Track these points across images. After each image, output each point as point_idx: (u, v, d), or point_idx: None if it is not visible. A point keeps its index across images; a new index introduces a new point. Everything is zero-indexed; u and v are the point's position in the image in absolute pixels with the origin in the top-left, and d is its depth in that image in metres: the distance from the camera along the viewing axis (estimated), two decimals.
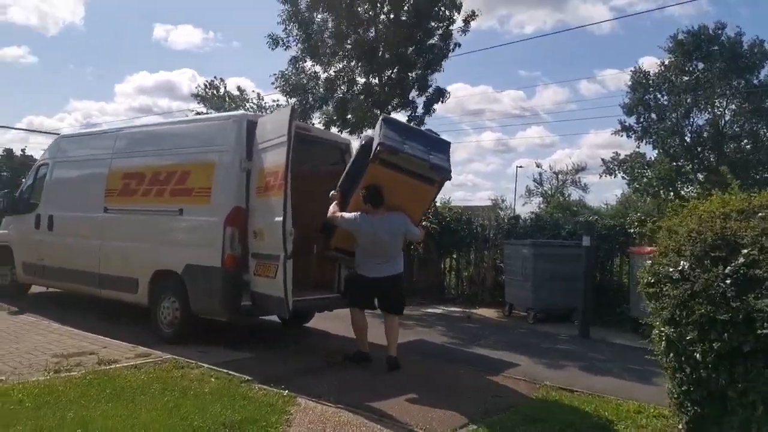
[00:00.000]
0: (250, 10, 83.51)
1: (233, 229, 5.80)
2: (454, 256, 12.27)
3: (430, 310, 10.48)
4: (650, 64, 29.95)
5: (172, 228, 6.42)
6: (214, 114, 6.62)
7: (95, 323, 7.00)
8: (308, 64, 13.28)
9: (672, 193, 28.76)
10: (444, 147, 5.83)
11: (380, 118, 5.80)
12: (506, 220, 11.67)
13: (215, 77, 33.05)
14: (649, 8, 70.47)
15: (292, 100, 12.73)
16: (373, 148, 5.40)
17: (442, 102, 13.57)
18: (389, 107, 13.28)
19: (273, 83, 13.19)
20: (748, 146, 27.68)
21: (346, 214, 5.58)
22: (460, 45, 13.25)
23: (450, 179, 5.79)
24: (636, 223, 9.99)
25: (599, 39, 73.81)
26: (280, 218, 5.20)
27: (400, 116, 14.32)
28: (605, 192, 78.23)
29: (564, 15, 77.10)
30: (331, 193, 5.71)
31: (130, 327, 6.92)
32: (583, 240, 8.65)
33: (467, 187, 78.60)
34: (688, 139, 28.86)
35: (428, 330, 8.37)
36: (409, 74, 13.11)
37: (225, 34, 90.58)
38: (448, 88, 14.03)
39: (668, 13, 68.08)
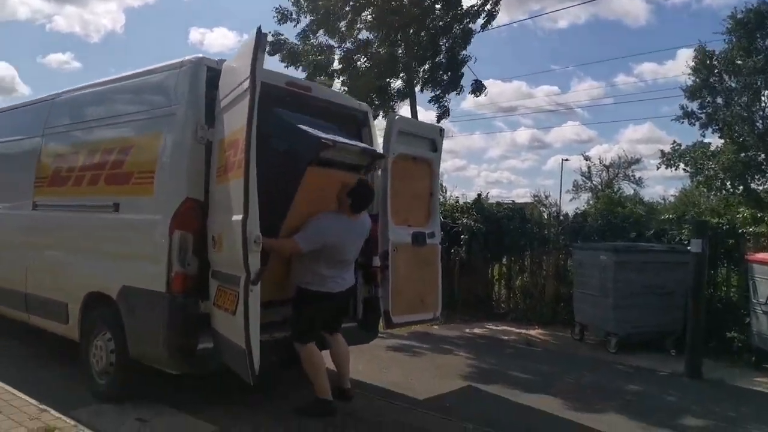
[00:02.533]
0: None
1: (183, 234, 3.75)
2: (504, 261, 10.04)
3: (476, 330, 8.32)
4: (711, 45, 26.75)
5: (106, 231, 4.41)
6: (161, 64, 4.78)
7: (19, 364, 5.11)
8: (320, 38, 11.33)
9: (741, 187, 25.81)
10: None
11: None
12: (570, 217, 9.36)
13: None
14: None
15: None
16: (305, 147, 4.02)
17: (477, 95, 11.46)
18: (414, 81, 11.17)
19: (269, 50, 11.20)
20: None
21: (306, 236, 4.04)
22: (496, 13, 11.01)
23: (384, 159, 4.73)
24: (749, 221, 7.63)
25: (634, 32, 69.90)
26: (240, 216, 3.13)
27: (426, 95, 12.21)
28: (655, 187, 73.71)
29: (597, 8, 73.61)
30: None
31: (66, 372, 4.96)
32: (691, 244, 6.34)
33: (503, 184, 75.66)
34: (759, 126, 25.71)
35: (476, 365, 6.19)
36: (440, 45, 10.97)
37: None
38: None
39: (705, 4, 64.15)
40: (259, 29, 3.15)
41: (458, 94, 11.20)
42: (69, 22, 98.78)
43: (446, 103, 11.21)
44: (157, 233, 3.84)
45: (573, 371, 6.11)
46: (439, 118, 11.32)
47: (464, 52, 10.86)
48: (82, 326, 4.51)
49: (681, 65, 71.60)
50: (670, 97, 73.80)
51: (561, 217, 9.56)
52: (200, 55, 3.99)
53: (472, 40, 10.91)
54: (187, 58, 4.02)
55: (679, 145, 28.74)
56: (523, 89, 73.73)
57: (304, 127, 4.11)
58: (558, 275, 9.16)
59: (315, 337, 4.27)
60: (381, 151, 4.86)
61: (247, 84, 3.16)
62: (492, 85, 61.48)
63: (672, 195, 38.20)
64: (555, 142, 73.67)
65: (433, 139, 5.47)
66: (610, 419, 4.60)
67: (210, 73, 3.93)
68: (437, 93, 11.07)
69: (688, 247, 6.69)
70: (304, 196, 4.08)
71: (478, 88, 11.13)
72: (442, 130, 5.60)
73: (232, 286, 3.31)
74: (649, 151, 65.54)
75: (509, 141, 73.11)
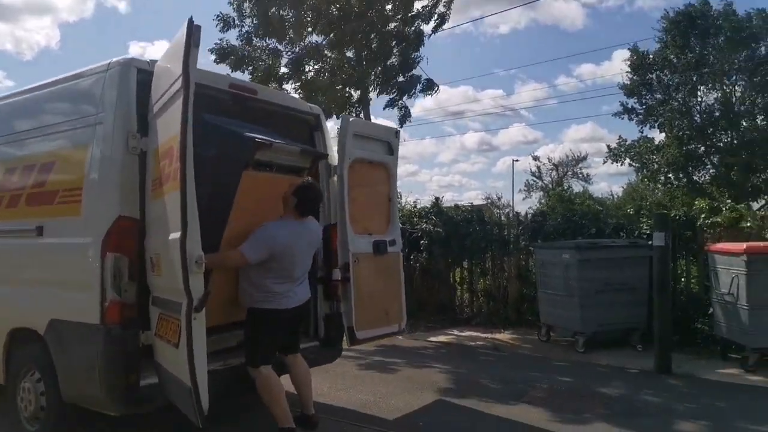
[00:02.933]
0: None
1: (117, 257, 3.32)
2: (465, 265, 9.86)
3: (441, 338, 8.07)
4: (643, 45, 27.71)
5: (29, 259, 3.91)
6: (87, 68, 4.44)
7: None
8: (266, 41, 10.95)
9: (685, 179, 26.67)
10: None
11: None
12: (529, 217, 9.25)
13: None
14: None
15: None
16: (239, 149, 3.74)
17: (432, 95, 11.26)
18: (368, 88, 10.92)
19: (213, 56, 10.75)
20: (765, 122, 25.41)
21: (252, 245, 3.70)
22: (447, 17, 10.85)
23: (325, 158, 4.69)
24: (704, 213, 7.66)
25: (572, 35, 72.21)
26: (177, 234, 2.75)
27: (381, 100, 11.97)
28: (600, 183, 76.18)
29: (536, 13, 75.70)
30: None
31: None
32: (654, 237, 6.26)
33: (455, 187, 76.79)
34: (698, 120, 26.64)
35: (446, 376, 5.92)
36: (392, 47, 10.74)
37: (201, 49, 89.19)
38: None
39: (636, 7, 66.98)
40: (190, 21, 2.78)
41: (411, 96, 10.97)
42: (0, 40, 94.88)
43: (405, 105, 10.96)
44: (86, 258, 3.39)
45: (545, 375, 5.91)
46: (402, 122, 11.08)
47: (417, 53, 10.65)
48: (8, 367, 3.99)
49: (617, 65, 74.25)
50: (609, 95, 76.23)
51: (520, 218, 9.42)
52: (129, 56, 3.57)
53: (424, 41, 10.71)
54: (114, 59, 3.59)
55: (625, 140, 29.57)
56: (470, 93, 75.10)
57: (237, 129, 3.79)
58: (520, 276, 9.02)
59: (270, 360, 3.90)
60: (325, 152, 4.60)
61: (179, 84, 2.78)
62: (440, 91, 62.09)
63: (621, 187, 39.27)
64: (503, 145, 75.16)
65: (388, 141, 5.20)
66: (595, 428, 4.38)
67: (141, 75, 3.52)
68: (393, 96, 10.82)
69: (650, 241, 6.64)
70: (243, 205, 3.72)
71: (429, 87, 10.92)
72: (397, 132, 5.35)
73: (173, 314, 2.92)
74: (592, 149, 68.06)
75: (459, 145, 74.29)
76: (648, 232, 7.48)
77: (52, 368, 3.59)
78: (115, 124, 3.42)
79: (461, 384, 5.61)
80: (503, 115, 72.15)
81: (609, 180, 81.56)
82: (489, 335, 8.14)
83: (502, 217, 10.51)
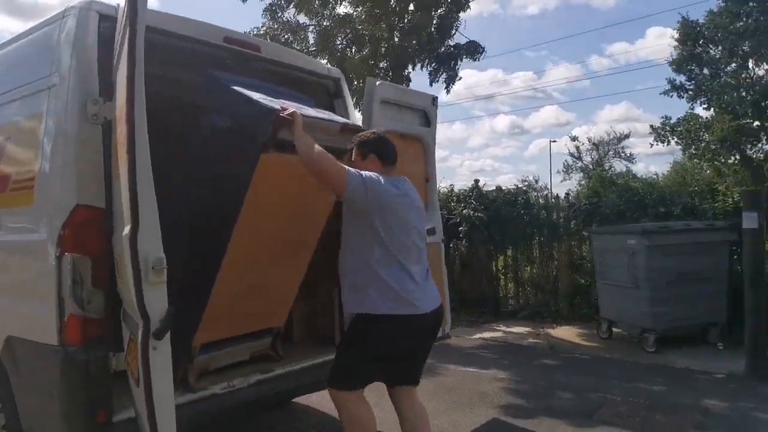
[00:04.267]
0: None
1: (77, 258, 2.53)
2: (509, 252, 8.94)
3: (486, 335, 7.20)
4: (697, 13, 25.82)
5: None
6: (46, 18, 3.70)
7: None
8: (290, 13, 10.16)
9: (738, 156, 24.95)
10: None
11: None
12: (583, 199, 8.25)
13: None
14: None
15: None
16: (255, 123, 2.73)
17: (477, 60, 10.18)
18: (407, 63, 10.00)
19: None
20: None
21: (352, 171, 2.72)
22: None
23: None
24: None
25: (604, 14, 69.32)
26: (128, 228, 1.94)
27: (421, 75, 11.09)
28: (638, 164, 73.14)
29: None
30: None
31: None
32: (744, 219, 5.24)
33: (487, 171, 75.50)
34: (751, 93, 24.78)
35: (497, 385, 5.04)
36: (432, 15, 9.79)
37: None
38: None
39: None
40: None
41: (456, 66, 9.98)
42: None
43: (452, 69, 9.95)
44: (40, 259, 2.63)
45: (615, 382, 4.99)
46: (448, 84, 10.12)
47: (456, 19, 9.69)
48: None
49: (650, 42, 71.08)
50: (642, 68, 72.62)
51: (571, 199, 8.44)
52: None
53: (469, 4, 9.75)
54: (71, 3, 2.80)
55: (669, 118, 27.83)
56: (499, 76, 73.29)
57: (254, 96, 2.80)
58: (572, 265, 8.09)
59: (364, 385, 2.80)
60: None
61: (123, 22, 1.96)
62: (468, 75, 60.67)
63: (667, 164, 37.34)
64: (534, 128, 73.51)
65: (424, 109, 4.33)
66: None
67: (105, 23, 2.71)
68: (434, 67, 9.90)
69: (729, 224, 5.65)
70: (260, 200, 2.76)
71: (473, 50, 9.91)
72: (434, 99, 4.45)
73: (133, 338, 2.12)
74: (628, 129, 65.58)
75: (489, 129, 72.99)
76: (728, 211, 6.49)
77: (12, 397, 2.86)
78: (70, 87, 2.62)
79: (518, 395, 4.74)
80: (534, 97, 70.23)
81: (646, 160, 78.88)
82: (540, 330, 7.24)
83: (549, 200, 9.50)
